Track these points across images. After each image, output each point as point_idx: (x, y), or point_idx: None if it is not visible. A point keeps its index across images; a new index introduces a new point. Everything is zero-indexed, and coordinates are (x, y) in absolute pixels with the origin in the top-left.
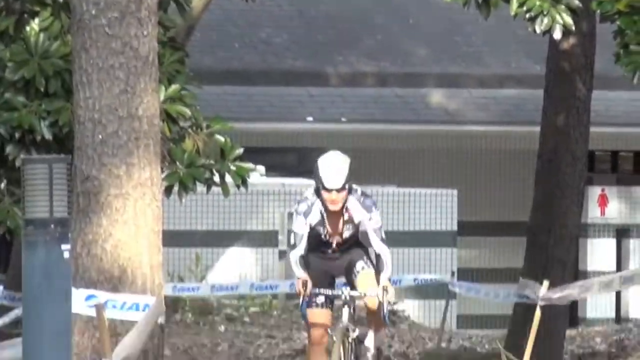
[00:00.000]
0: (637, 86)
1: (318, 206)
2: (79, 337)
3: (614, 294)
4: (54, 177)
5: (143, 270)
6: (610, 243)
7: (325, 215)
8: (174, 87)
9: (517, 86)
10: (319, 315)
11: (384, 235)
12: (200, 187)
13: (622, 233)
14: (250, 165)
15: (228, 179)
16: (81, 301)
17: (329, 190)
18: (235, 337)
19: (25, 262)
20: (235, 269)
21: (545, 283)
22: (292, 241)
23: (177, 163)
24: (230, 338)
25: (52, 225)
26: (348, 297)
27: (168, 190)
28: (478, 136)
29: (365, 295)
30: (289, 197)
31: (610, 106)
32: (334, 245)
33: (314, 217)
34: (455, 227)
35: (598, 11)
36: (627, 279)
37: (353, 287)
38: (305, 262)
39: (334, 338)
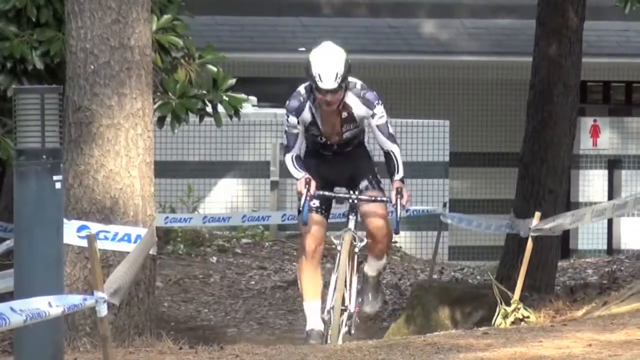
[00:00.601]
0: (629, 16)
1: (310, 104)
2: (70, 268)
3: (605, 226)
4: (46, 108)
5: (135, 201)
6: (602, 174)
7: (319, 114)
8: (166, 16)
9: (510, 16)
10: (313, 220)
11: (391, 131)
12: (193, 118)
13: (614, 164)
14: (242, 95)
15: (220, 109)
16: (73, 232)
17: (323, 92)
18: (227, 269)
19: (17, 193)
20: (227, 200)
21: (537, 214)
22: (284, 142)
23: (170, 93)
24: (222, 269)
25: (44, 156)
26: (355, 201)
27: (160, 121)
28: (470, 67)
29: (376, 200)
30: (281, 128)
31: (602, 36)
32: (333, 147)
33: (307, 116)
34: (447, 158)
35: None
36: (619, 207)
37: (354, 208)
38: (303, 163)
39: (339, 247)
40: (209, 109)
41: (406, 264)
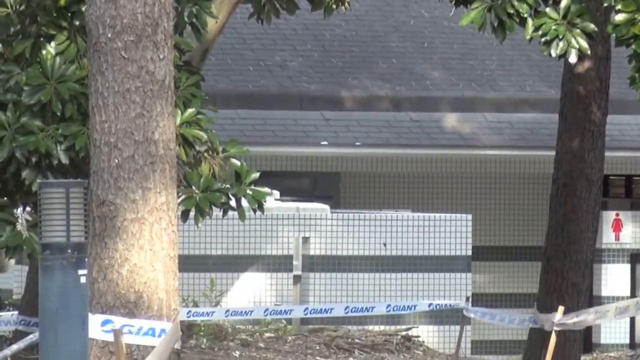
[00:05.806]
0: None
1: None
2: None
3: (628, 320)
4: (71, 202)
5: (159, 295)
6: (625, 268)
7: None
8: (190, 110)
9: (532, 110)
10: None
11: None
12: (216, 211)
13: (636, 258)
14: (266, 189)
15: (244, 202)
16: (97, 326)
17: None
18: None
19: (42, 287)
20: (249, 294)
21: (561, 308)
22: None
23: (193, 187)
24: None
25: (69, 250)
26: None
27: (184, 215)
28: (492, 160)
29: None
30: (303, 222)
31: (624, 130)
32: None
33: None
34: (469, 252)
35: (613, 35)
36: None
37: None
38: None
39: None
40: (233, 202)
41: (429, 358)
